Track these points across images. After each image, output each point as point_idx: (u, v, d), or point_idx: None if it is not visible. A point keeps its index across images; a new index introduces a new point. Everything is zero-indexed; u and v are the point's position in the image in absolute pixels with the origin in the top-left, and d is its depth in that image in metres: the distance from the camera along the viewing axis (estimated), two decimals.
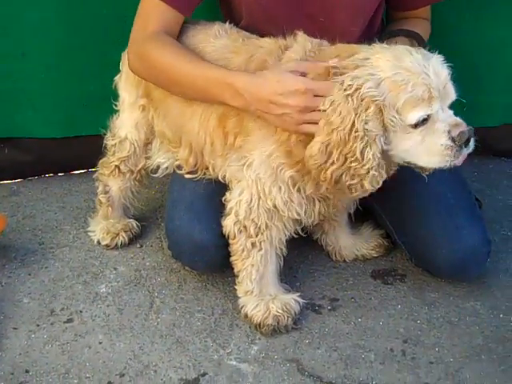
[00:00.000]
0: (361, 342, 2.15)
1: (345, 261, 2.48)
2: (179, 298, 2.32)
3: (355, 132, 1.85)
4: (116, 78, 2.41)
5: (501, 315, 2.25)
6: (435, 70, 1.86)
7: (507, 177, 2.97)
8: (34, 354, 2.10)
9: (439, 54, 2.60)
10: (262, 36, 2.16)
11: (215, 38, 2.18)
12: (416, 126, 1.86)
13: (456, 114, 2.89)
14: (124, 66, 2.36)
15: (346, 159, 1.87)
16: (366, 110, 1.84)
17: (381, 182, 1.93)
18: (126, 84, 2.37)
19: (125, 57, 2.33)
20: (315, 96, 1.92)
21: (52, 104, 2.79)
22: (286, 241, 2.21)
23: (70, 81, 2.75)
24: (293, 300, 2.21)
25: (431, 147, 1.89)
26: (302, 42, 2.05)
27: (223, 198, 2.16)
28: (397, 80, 1.84)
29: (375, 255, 2.49)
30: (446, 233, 2.22)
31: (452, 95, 1.92)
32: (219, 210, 2.17)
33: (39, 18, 2.63)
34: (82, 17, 2.66)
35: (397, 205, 2.31)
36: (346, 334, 2.18)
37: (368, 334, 2.18)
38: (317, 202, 2.12)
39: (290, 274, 2.41)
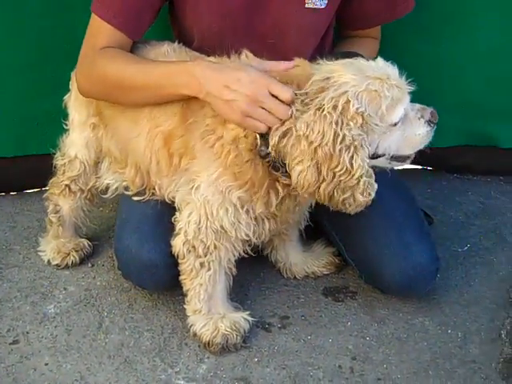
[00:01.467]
0: (310, 359, 2.15)
1: (295, 278, 2.48)
2: (129, 318, 2.30)
3: (340, 143, 1.85)
4: (65, 97, 2.40)
5: (449, 331, 2.27)
6: (391, 69, 1.95)
7: (459, 193, 3.01)
8: None
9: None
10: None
11: (164, 57, 2.19)
12: (395, 124, 1.94)
13: None
14: (73, 85, 2.34)
15: (334, 174, 1.88)
16: (349, 120, 1.86)
17: (373, 194, 1.95)
18: (75, 103, 2.36)
19: (74, 76, 2.32)
20: (273, 96, 1.92)
21: (2, 123, 2.77)
22: (237, 258, 2.21)
23: (21, 100, 2.73)
24: (242, 318, 2.20)
25: (412, 137, 1.99)
26: (245, 63, 2.05)
27: (173, 218, 2.15)
28: (372, 90, 1.88)
29: (326, 273, 2.50)
30: (393, 251, 2.24)
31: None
32: (168, 229, 2.16)
33: None
34: (33, 35, 2.65)
35: (345, 222, 2.32)
36: (295, 352, 2.18)
37: (317, 352, 2.18)
38: (266, 220, 2.12)
39: (241, 292, 2.41)
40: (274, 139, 1.92)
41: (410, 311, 2.34)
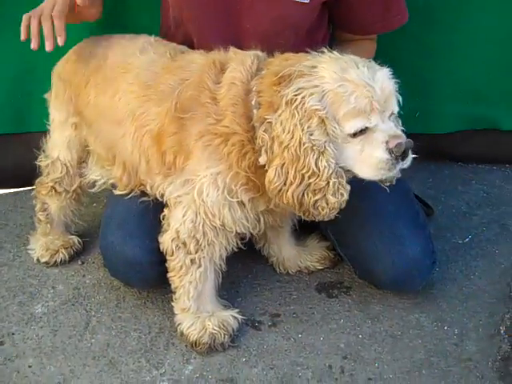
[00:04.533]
0: (299, 359, 2.09)
1: (289, 273, 2.42)
2: (116, 317, 2.26)
3: (304, 145, 1.81)
4: (46, 94, 2.35)
5: (445, 327, 2.19)
6: (380, 82, 1.83)
7: (461, 182, 2.93)
8: None
9: (389, 62, 2.60)
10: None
11: (141, 52, 2.13)
12: (355, 135, 1.83)
13: (408, 122, 2.91)
14: (53, 83, 2.30)
15: (302, 177, 1.83)
16: (309, 120, 1.81)
17: (346, 195, 1.88)
18: (55, 102, 2.32)
19: (53, 74, 2.28)
20: None
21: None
22: (230, 254, 2.15)
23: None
24: (230, 317, 2.15)
25: (368, 158, 1.85)
26: (239, 58, 1.99)
27: (161, 215, 2.09)
28: (340, 92, 1.81)
29: (320, 267, 2.43)
30: (386, 244, 2.17)
31: (392, 107, 1.87)
32: (153, 226, 2.12)
33: None
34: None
35: (337, 216, 2.25)
36: (284, 351, 2.12)
37: (307, 351, 2.12)
38: (262, 214, 2.06)
39: (232, 289, 2.35)
40: (259, 134, 1.87)
41: (406, 307, 2.27)
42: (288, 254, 2.42)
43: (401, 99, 1.93)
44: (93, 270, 2.48)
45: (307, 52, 1.94)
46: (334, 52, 1.91)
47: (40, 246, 2.49)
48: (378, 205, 2.21)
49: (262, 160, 1.87)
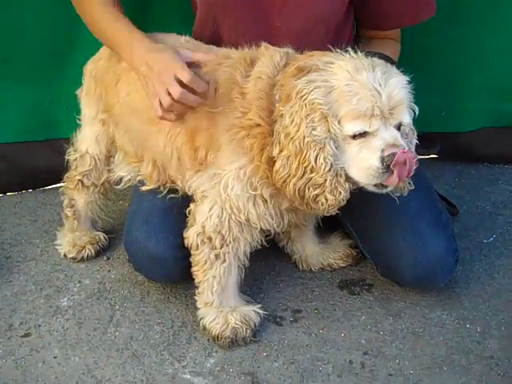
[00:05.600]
0: (320, 354, 2.10)
1: (311, 270, 2.43)
2: (140, 311, 2.29)
3: (306, 139, 1.83)
4: (78, 91, 2.40)
5: (467, 325, 2.18)
6: (390, 90, 1.82)
7: (488, 183, 2.91)
8: None
9: (415, 60, 2.59)
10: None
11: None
12: (354, 137, 1.84)
13: (433, 121, 2.91)
14: (85, 80, 2.35)
15: (304, 170, 1.85)
16: (312, 114, 1.83)
17: (344, 193, 1.88)
18: (86, 98, 2.37)
19: (85, 71, 2.33)
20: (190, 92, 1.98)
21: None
22: (253, 251, 2.17)
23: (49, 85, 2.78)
24: (253, 312, 2.17)
25: (361, 162, 1.86)
26: (269, 54, 2.02)
27: (187, 210, 2.12)
28: (345, 91, 1.82)
29: (343, 265, 2.44)
30: (408, 242, 2.16)
31: (401, 117, 1.86)
32: (177, 222, 2.15)
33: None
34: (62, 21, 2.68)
35: (360, 213, 2.25)
36: (305, 347, 2.13)
37: (328, 346, 2.13)
38: (286, 212, 2.08)
39: (254, 285, 2.37)
40: (276, 127, 1.89)
41: (428, 305, 2.26)
42: (311, 251, 2.43)
43: (417, 110, 1.91)
44: (118, 265, 2.52)
45: (333, 50, 1.96)
46: (358, 52, 1.92)
47: (67, 242, 2.54)
48: (401, 203, 2.19)
49: (274, 152, 1.89)
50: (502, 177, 2.95)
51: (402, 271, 2.19)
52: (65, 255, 2.54)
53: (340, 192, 1.88)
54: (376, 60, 1.90)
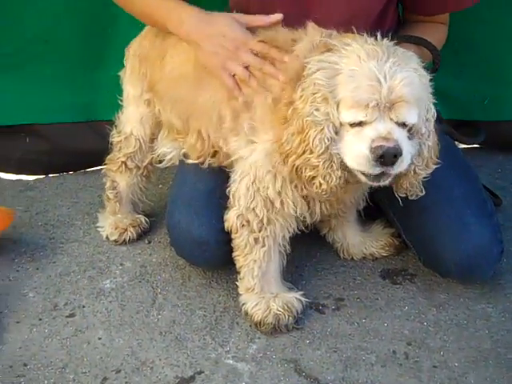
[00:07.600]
0: (363, 343, 2.09)
1: (353, 259, 2.42)
2: (182, 295, 2.30)
3: (308, 117, 1.85)
4: (120, 72, 2.40)
5: None
6: (394, 83, 1.80)
7: None
8: (33, 348, 2.11)
9: (458, 46, 2.52)
10: None
11: None
12: (352, 125, 1.84)
13: (476, 109, 2.86)
14: (128, 60, 2.35)
15: (304, 150, 1.87)
16: (316, 94, 1.84)
17: (336, 180, 1.88)
18: (130, 78, 2.37)
19: (128, 52, 2.32)
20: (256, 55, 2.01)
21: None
22: (295, 238, 2.17)
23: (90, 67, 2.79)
24: (295, 299, 2.16)
25: (353, 148, 1.85)
26: (312, 33, 2.02)
27: (227, 190, 2.12)
28: (347, 76, 1.83)
29: (385, 254, 2.42)
30: (452, 231, 2.14)
31: (403, 116, 1.82)
32: (219, 205, 2.15)
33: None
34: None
35: (403, 202, 2.23)
36: (348, 335, 2.12)
37: (371, 336, 2.12)
38: (316, 201, 2.08)
39: (296, 273, 2.37)
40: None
41: (472, 297, 2.24)
42: (353, 240, 2.42)
43: (433, 110, 1.91)
44: (159, 249, 2.53)
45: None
46: (385, 40, 1.89)
47: (109, 225, 2.56)
48: (446, 191, 2.18)
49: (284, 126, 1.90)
50: None
51: (446, 261, 2.17)
52: (107, 237, 2.56)
53: (333, 178, 1.88)
54: (399, 50, 1.88)
